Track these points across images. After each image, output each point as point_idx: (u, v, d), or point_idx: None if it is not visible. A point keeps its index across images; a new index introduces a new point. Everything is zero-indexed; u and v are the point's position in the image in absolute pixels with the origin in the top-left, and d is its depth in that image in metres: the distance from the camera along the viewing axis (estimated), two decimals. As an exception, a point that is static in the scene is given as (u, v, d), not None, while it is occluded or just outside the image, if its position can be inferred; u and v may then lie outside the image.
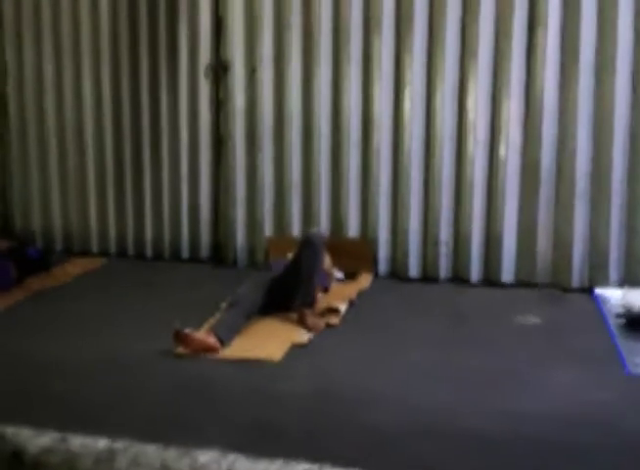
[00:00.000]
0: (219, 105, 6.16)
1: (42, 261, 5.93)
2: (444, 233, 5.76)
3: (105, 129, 6.44)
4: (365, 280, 5.71)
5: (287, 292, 4.94)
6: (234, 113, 6.11)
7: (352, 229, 5.94)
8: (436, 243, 5.78)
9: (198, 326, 4.54)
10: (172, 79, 6.23)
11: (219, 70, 6.13)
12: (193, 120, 6.23)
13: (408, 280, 5.85)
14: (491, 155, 5.64)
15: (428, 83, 5.70)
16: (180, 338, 4.24)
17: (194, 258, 6.36)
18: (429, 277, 5.82)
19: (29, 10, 6.48)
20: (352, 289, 5.44)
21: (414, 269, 5.85)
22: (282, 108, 6.02)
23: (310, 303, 4.76)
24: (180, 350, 4.28)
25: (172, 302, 5.36)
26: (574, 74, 5.42)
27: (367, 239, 5.89)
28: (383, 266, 5.93)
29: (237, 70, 6.07)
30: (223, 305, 5.14)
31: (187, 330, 4.28)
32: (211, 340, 4.28)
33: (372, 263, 5.87)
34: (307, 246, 4.80)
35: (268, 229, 6.16)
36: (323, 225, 5.99)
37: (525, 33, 5.49)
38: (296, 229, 6.09)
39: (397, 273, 5.89)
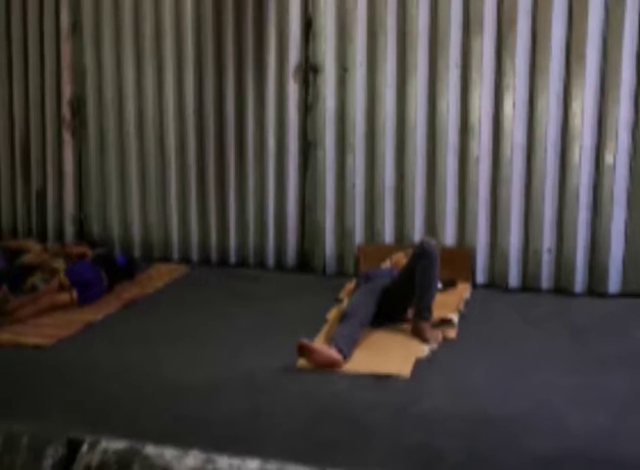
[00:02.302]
0: (308, 108, 5.98)
1: (128, 269, 5.76)
2: (547, 242, 5.56)
3: (187, 134, 6.27)
4: (464, 290, 5.51)
5: (400, 303, 4.76)
6: (323, 116, 5.93)
7: (449, 237, 5.75)
8: (538, 252, 5.57)
9: (308, 337, 4.36)
10: (259, 82, 6.05)
11: (308, 72, 5.95)
12: (280, 124, 6.06)
13: (508, 290, 5.65)
14: (597, 161, 5.44)
15: (530, 88, 5.50)
16: (305, 351, 4.06)
17: (280, 265, 6.18)
18: (529, 287, 5.62)
19: (109, 11, 6.32)
20: (458, 299, 5.25)
21: (514, 279, 5.65)
22: (374, 111, 5.84)
23: (427, 315, 4.57)
24: (302, 363, 4.09)
25: (270, 312, 5.19)
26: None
27: (465, 247, 5.69)
28: (480, 276, 5.73)
29: (327, 72, 5.89)
30: (329, 315, 4.99)
31: (311, 343, 4.10)
32: (335, 353, 4.10)
33: (470, 273, 5.67)
34: (423, 256, 4.60)
35: (359, 237, 5.97)
36: (417, 233, 5.81)
37: (637, 35, 5.28)
38: (388, 237, 5.90)
39: (496, 283, 5.69)
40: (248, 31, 6.03)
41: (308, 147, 6.01)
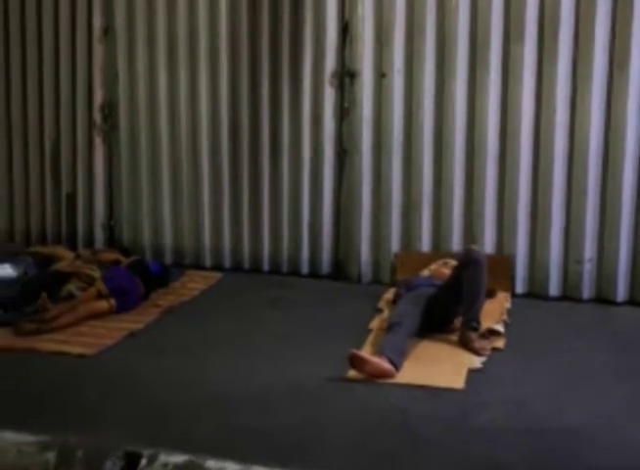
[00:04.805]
0: (343, 114, 5.91)
1: (162, 276, 5.69)
2: (588, 251, 5.49)
3: (221, 139, 6.20)
4: (505, 299, 5.44)
5: (445, 312, 4.70)
6: (360, 122, 5.87)
7: (487, 245, 5.67)
8: (579, 261, 5.50)
9: (351, 347, 4.27)
10: (295, 88, 5.99)
11: (344, 77, 5.88)
12: (315, 130, 5.99)
13: (548, 299, 5.58)
14: (641, 168, 5.38)
15: (572, 94, 5.43)
16: (356, 361, 3.99)
17: (314, 273, 6.10)
18: (570, 296, 5.55)
19: (142, 14, 6.25)
20: (500, 309, 5.17)
21: (554, 288, 5.58)
22: (412, 117, 5.77)
23: (476, 325, 4.50)
24: (353, 373, 4.03)
25: (308, 320, 5.13)
26: None
27: (505, 256, 5.61)
28: (520, 285, 5.66)
29: (364, 78, 5.82)
30: (372, 324, 4.93)
31: (363, 353, 4.04)
32: (387, 364, 4.03)
33: (510, 281, 5.60)
34: (471, 264, 4.54)
35: (395, 244, 5.90)
36: (455, 241, 5.74)
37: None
38: (425, 245, 5.83)
39: (536, 292, 5.62)
40: (283, 35, 5.95)
41: (344, 153, 5.94)
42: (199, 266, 6.30)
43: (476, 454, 3.27)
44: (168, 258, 6.38)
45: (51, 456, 3.27)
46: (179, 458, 3.18)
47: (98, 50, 6.37)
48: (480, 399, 3.84)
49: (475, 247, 4.81)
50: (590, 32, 5.33)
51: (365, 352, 4.25)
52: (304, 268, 6.13)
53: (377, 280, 5.97)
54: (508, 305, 5.34)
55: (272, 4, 5.95)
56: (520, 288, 5.66)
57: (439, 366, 4.21)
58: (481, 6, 5.53)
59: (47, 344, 4.46)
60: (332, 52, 5.88)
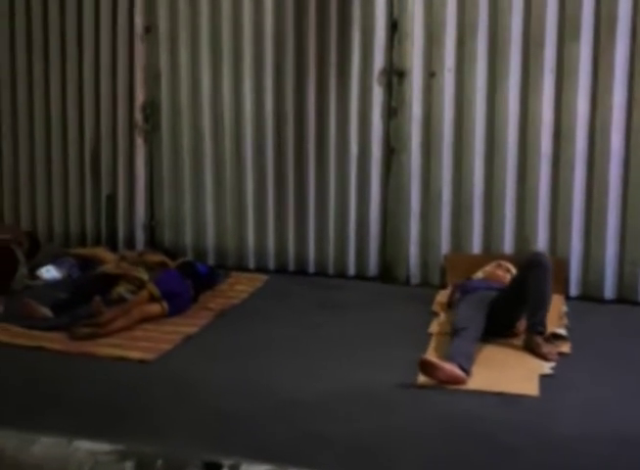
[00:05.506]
0: (391, 113, 5.82)
1: (210, 278, 5.59)
2: (645, 252, 5.40)
3: (266, 139, 6.10)
4: (560, 302, 5.33)
5: (509, 316, 4.60)
6: (409, 121, 5.77)
7: (540, 247, 5.55)
8: (635, 262, 5.40)
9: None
10: (342, 87, 5.89)
11: (392, 76, 5.79)
12: (363, 130, 5.90)
13: (603, 302, 5.48)
14: (699, 169, 5.28)
15: (628, 93, 5.33)
16: (428, 367, 3.90)
17: (360, 275, 6.01)
18: (625, 299, 5.46)
19: (185, 12, 6.15)
20: (557, 312, 5.07)
21: (609, 291, 5.49)
22: (463, 117, 5.68)
23: (542, 329, 4.40)
24: (423, 379, 3.94)
25: (361, 323, 5.06)
26: None
27: (559, 258, 5.51)
28: (574, 287, 5.56)
29: (414, 77, 5.73)
30: (431, 328, 4.84)
31: (434, 359, 3.95)
32: (459, 370, 3.94)
33: (564, 284, 5.50)
34: (537, 267, 4.44)
35: (444, 246, 5.81)
36: (507, 243, 5.65)
37: None
38: (475, 247, 5.74)
39: (590, 294, 5.52)
40: (331, 32, 5.86)
41: (392, 152, 5.85)
42: (241, 268, 6.21)
43: (560, 463, 3.20)
44: (211, 260, 6.28)
45: (129, 466, 3.17)
46: (261, 469, 3.09)
47: (139, 49, 6.28)
48: (556, 405, 3.76)
49: (540, 250, 4.71)
50: (648, 30, 5.24)
51: (429, 356, 4.16)
52: (351, 270, 6.04)
53: (425, 282, 5.87)
54: (564, 308, 5.24)
55: (319, 1, 5.84)
56: (574, 290, 5.56)
57: (510, 372, 4.12)
58: (536, 4, 5.43)
59: (105, 349, 4.38)
60: (380, 50, 5.79)
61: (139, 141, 6.37)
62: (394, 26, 5.75)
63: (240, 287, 5.72)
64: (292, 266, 6.16)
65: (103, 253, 6.06)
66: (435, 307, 5.26)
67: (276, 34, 5.99)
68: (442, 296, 5.44)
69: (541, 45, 5.44)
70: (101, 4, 6.30)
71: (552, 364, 4.23)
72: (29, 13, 6.48)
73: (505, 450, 3.31)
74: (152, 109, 6.31)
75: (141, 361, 4.23)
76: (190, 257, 6.25)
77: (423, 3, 5.66)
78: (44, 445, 3.15)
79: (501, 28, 5.52)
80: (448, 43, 5.64)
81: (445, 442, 3.41)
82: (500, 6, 5.51)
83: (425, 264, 5.88)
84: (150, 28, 6.24)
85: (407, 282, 5.90)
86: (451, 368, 3.92)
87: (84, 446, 3.24)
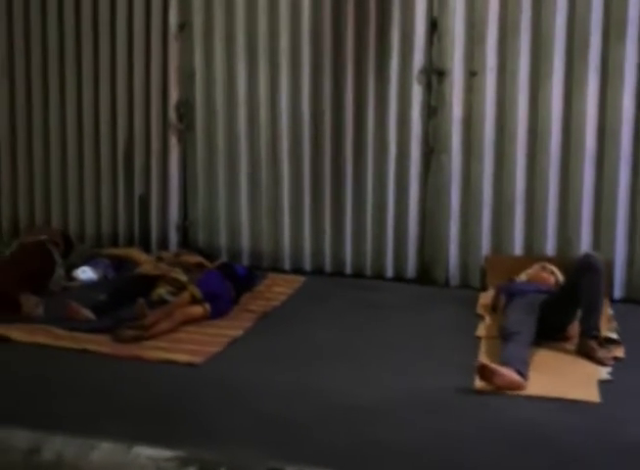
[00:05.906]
0: (431, 113, 5.74)
1: (249, 279, 5.51)
2: (691, 254, 5.32)
3: (302, 139, 6.02)
4: (606, 305, 5.23)
5: (561, 320, 4.52)
6: (449, 121, 5.69)
7: (583, 249, 5.46)
8: (681, 265, 5.33)
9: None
10: (381, 86, 5.81)
11: (432, 75, 5.70)
12: (402, 129, 5.82)
13: (647, 304, 5.41)
14: None
15: (676, 93, 5.26)
16: (486, 372, 3.82)
17: (399, 276, 5.93)
18: (671, 302, 5.38)
19: (221, 10, 6.07)
20: (605, 316, 4.98)
21: (655, 294, 5.41)
22: (505, 117, 5.60)
23: (596, 333, 4.32)
24: (481, 384, 3.86)
25: (405, 325, 5.00)
26: None
27: (605, 260, 5.42)
28: (617, 290, 5.48)
29: (454, 76, 5.65)
30: (478, 332, 4.76)
31: (493, 364, 3.87)
32: (517, 376, 3.86)
33: (609, 286, 5.41)
34: (590, 270, 4.35)
35: (484, 247, 5.72)
36: (550, 244, 5.56)
37: None
38: (517, 248, 5.65)
39: (634, 297, 5.44)
40: (369, 31, 5.77)
41: (431, 152, 5.77)
42: (277, 269, 6.13)
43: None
44: (245, 261, 6.20)
45: (192, 473, 3.12)
46: (326, 476, 3.03)
47: (173, 47, 6.20)
48: (620, 411, 3.69)
49: (592, 252, 4.63)
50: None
51: (482, 360, 4.08)
52: (389, 272, 5.95)
53: (465, 284, 5.79)
54: (610, 311, 5.15)
55: (358, -1, 5.79)
56: (618, 293, 5.47)
57: (567, 377, 4.04)
58: (580, 4, 5.35)
59: (151, 352, 4.30)
60: (420, 49, 5.71)
61: (173, 141, 6.29)
62: (434, 25, 5.67)
63: (278, 289, 5.64)
64: (328, 268, 6.08)
65: (137, 253, 5.98)
66: (480, 310, 5.18)
67: (313, 31, 5.90)
68: (485, 298, 5.36)
69: (586, 43, 5.37)
70: (134, 2, 6.22)
71: (609, 369, 4.14)
72: (62, 11, 6.40)
73: (572, 457, 3.24)
74: (186, 108, 6.23)
75: (189, 364, 4.16)
76: (224, 258, 6.17)
77: (464, 1, 5.58)
78: (103, 451, 3.09)
79: (545, 27, 5.44)
80: (490, 41, 5.56)
81: (511, 448, 3.34)
82: (543, 4, 5.43)
83: (464, 266, 5.80)
84: (184, 26, 6.16)
85: (446, 284, 5.82)
86: (510, 374, 3.85)
87: (145, 452, 3.17)
